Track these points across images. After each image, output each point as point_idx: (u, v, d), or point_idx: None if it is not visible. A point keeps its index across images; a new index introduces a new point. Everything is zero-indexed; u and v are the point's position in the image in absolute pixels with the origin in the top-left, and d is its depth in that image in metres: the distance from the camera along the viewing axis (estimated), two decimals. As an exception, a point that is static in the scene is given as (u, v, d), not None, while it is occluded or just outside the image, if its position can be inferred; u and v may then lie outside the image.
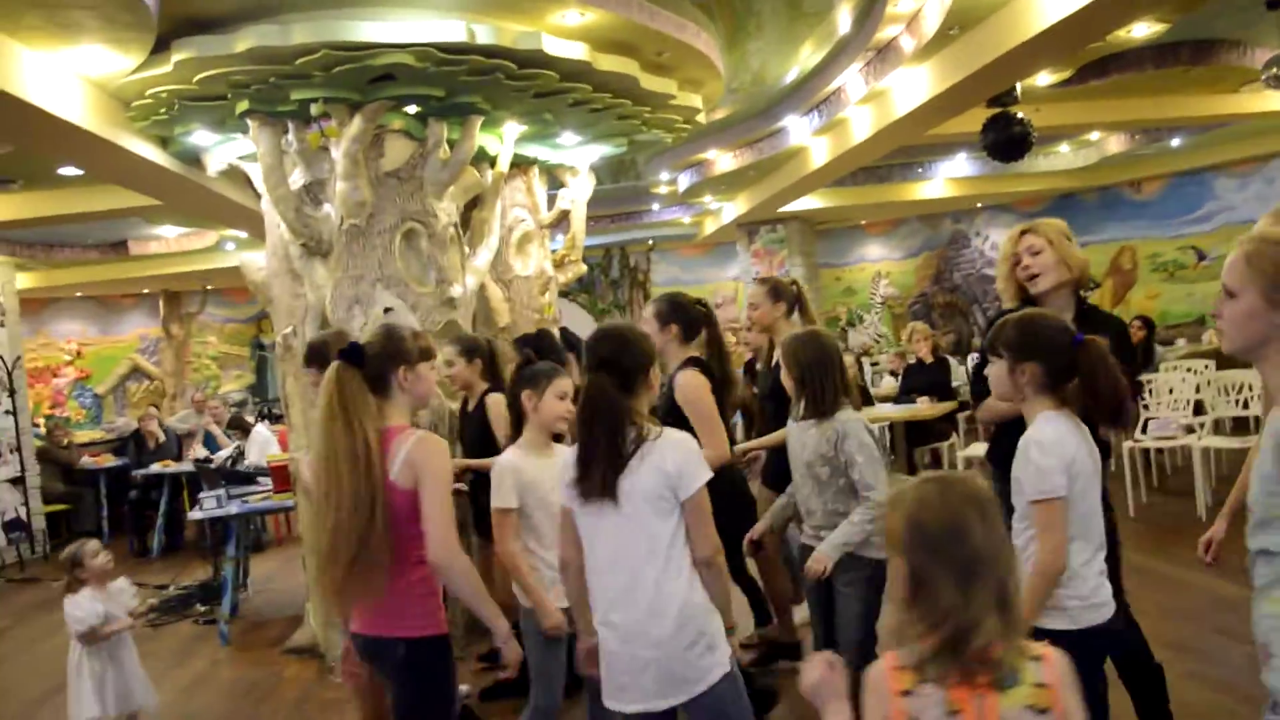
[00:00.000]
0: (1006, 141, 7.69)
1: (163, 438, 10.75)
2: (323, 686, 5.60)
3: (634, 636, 2.65)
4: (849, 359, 10.25)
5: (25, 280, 12.30)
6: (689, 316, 4.56)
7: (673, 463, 2.66)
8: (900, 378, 9.51)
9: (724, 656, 2.69)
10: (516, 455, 3.57)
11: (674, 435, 2.74)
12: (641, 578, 2.65)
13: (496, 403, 4.82)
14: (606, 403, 2.70)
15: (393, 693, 3.01)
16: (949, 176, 13.16)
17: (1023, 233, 3.61)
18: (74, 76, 5.24)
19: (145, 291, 15.55)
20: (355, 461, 2.77)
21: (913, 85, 7.45)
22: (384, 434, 2.87)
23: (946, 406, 8.48)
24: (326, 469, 2.80)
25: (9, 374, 10.64)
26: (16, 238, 10.67)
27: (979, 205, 15.45)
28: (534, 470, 3.52)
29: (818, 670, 1.89)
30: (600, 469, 2.66)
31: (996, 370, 2.77)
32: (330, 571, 2.80)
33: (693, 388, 4.25)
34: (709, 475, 2.71)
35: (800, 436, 3.71)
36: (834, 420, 3.60)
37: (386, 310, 5.56)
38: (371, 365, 2.93)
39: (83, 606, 4.33)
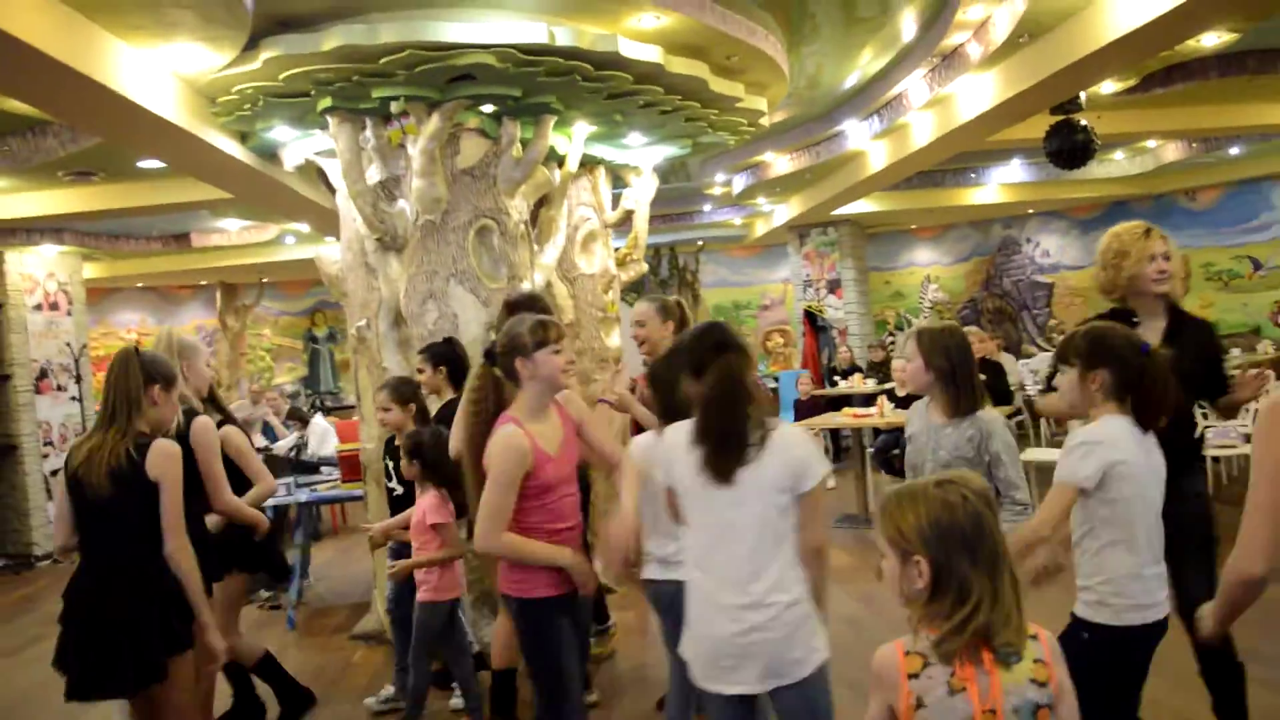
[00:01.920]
0: (1070, 149, 7.69)
1: (223, 427, 10.93)
2: (390, 672, 5.72)
3: (743, 620, 2.69)
4: (898, 362, 10.31)
5: (90, 270, 12.57)
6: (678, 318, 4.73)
7: (799, 455, 2.73)
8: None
9: (824, 644, 2.76)
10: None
11: (793, 428, 2.85)
12: (756, 563, 2.70)
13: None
14: (741, 385, 2.76)
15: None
16: (1002, 182, 13.14)
17: (1147, 232, 3.67)
18: (167, 73, 5.39)
19: (203, 283, 15.82)
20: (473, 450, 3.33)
21: (977, 92, 7.49)
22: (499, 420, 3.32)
23: (1003, 410, 8.47)
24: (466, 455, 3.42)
25: (75, 361, 10.90)
26: (85, 229, 10.91)
27: (1030, 211, 15.41)
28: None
29: None
30: (731, 452, 2.71)
31: (1068, 379, 2.88)
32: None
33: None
34: (829, 469, 2.82)
35: (934, 435, 3.57)
36: (975, 419, 3.49)
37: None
38: (501, 359, 3.34)
39: None
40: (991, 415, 3.52)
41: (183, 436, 3.78)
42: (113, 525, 3.37)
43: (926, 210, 14.14)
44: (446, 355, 5.27)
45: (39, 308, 10.96)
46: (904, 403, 9.12)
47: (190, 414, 4.02)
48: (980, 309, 16.20)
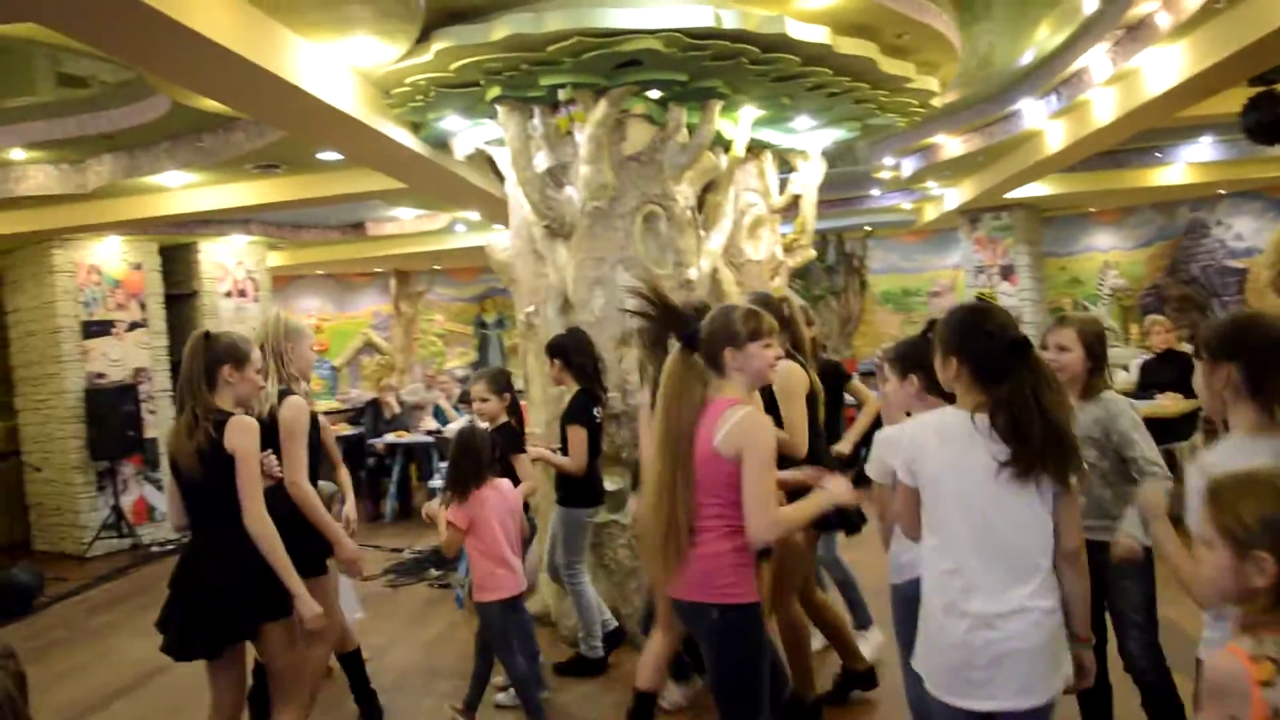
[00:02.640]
0: (1271, 123, 7.18)
1: (398, 409, 11.33)
2: (555, 652, 5.80)
3: (1000, 628, 2.50)
4: (1049, 354, 9.86)
5: (275, 258, 13.19)
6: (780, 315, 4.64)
7: None
8: (1139, 373, 9.06)
9: (1068, 667, 2.60)
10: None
11: None
12: (1020, 568, 2.52)
13: None
14: (1050, 377, 2.56)
15: (707, 657, 3.25)
16: (1191, 161, 12.40)
17: None
18: (344, 67, 5.57)
19: (378, 270, 16.39)
20: (680, 439, 3.09)
21: (1166, 65, 7.07)
22: (710, 406, 3.12)
23: (1191, 404, 8.03)
24: (663, 445, 3.14)
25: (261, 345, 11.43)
26: (270, 219, 11.45)
27: (1221, 192, 14.51)
28: None
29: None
30: (1040, 447, 2.48)
31: (1196, 375, 2.59)
32: (672, 540, 3.08)
33: (795, 378, 4.32)
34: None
35: None
36: (1101, 400, 3.51)
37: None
38: (705, 346, 3.20)
39: None
40: (1115, 395, 3.53)
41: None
42: (204, 500, 3.59)
43: (1107, 192, 13.47)
44: (561, 346, 5.34)
45: (229, 294, 11.57)
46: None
47: (285, 393, 4.19)
48: (1163, 296, 15.38)
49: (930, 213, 14.53)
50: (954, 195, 13.23)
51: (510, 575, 4.62)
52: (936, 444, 2.59)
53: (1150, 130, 9.80)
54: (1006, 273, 14.20)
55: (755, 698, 3.15)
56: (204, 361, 3.59)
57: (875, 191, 13.50)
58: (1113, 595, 3.61)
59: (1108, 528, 3.50)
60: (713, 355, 3.19)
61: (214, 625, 3.54)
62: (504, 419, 5.24)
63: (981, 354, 2.56)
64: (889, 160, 11.26)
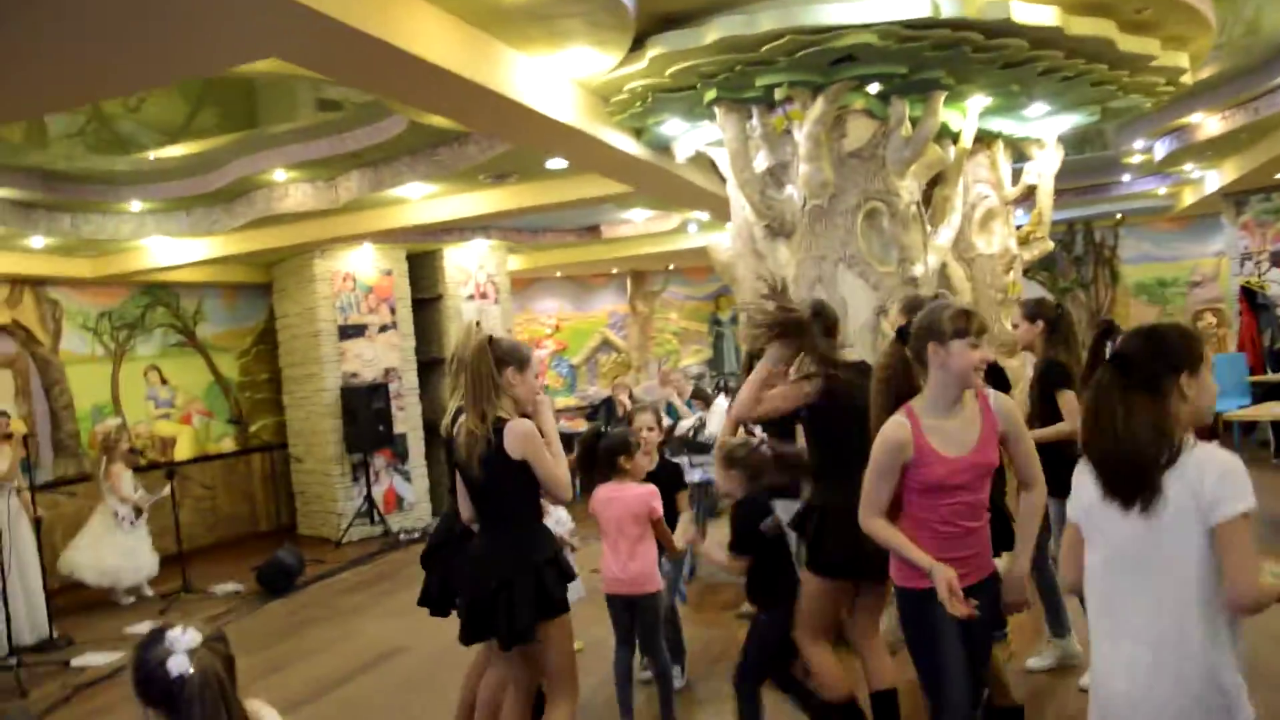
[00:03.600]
0: None
1: (630, 406, 11.52)
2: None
3: (1153, 678, 2.32)
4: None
5: (515, 262, 13.70)
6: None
7: (1210, 481, 2.27)
8: None
9: None
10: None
11: (1214, 451, 2.34)
12: (1164, 614, 2.32)
13: None
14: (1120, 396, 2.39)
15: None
16: None
17: None
18: (563, 78, 5.71)
19: (614, 271, 16.74)
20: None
21: None
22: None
23: None
24: None
25: (501, 345, 11.91)
26: (509, 225, 11.91)
27: None
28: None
29: None
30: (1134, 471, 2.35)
31: None
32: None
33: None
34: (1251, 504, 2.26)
35: None
36: None
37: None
38: (913, 341, 3.24)
39: None
40: None
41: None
42: (489, 502, 3.77)
43: (1398, 167, 12.19)
44: (1040, 312, 5.14)
45: (471, 297, 12.10)
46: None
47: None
48: None
49: (1189, 197, 13.54)
50: (1215, 177, 12.28)
51: (608, 571, 4.74)
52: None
53: None
54: (1277, 259, 13.07)
55: (936, 678, 3.25)
56: (490, 364, 3.74)
57: (1126, 177, 12.70)
58: None
59: None
60: (918, 350, 3.21)
61: (500, 623, 3.71)
62: None
63: None
64: (1140, 143, 10.57)
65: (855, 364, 4.19)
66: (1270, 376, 11.31)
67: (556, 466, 3.73)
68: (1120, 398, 2.36)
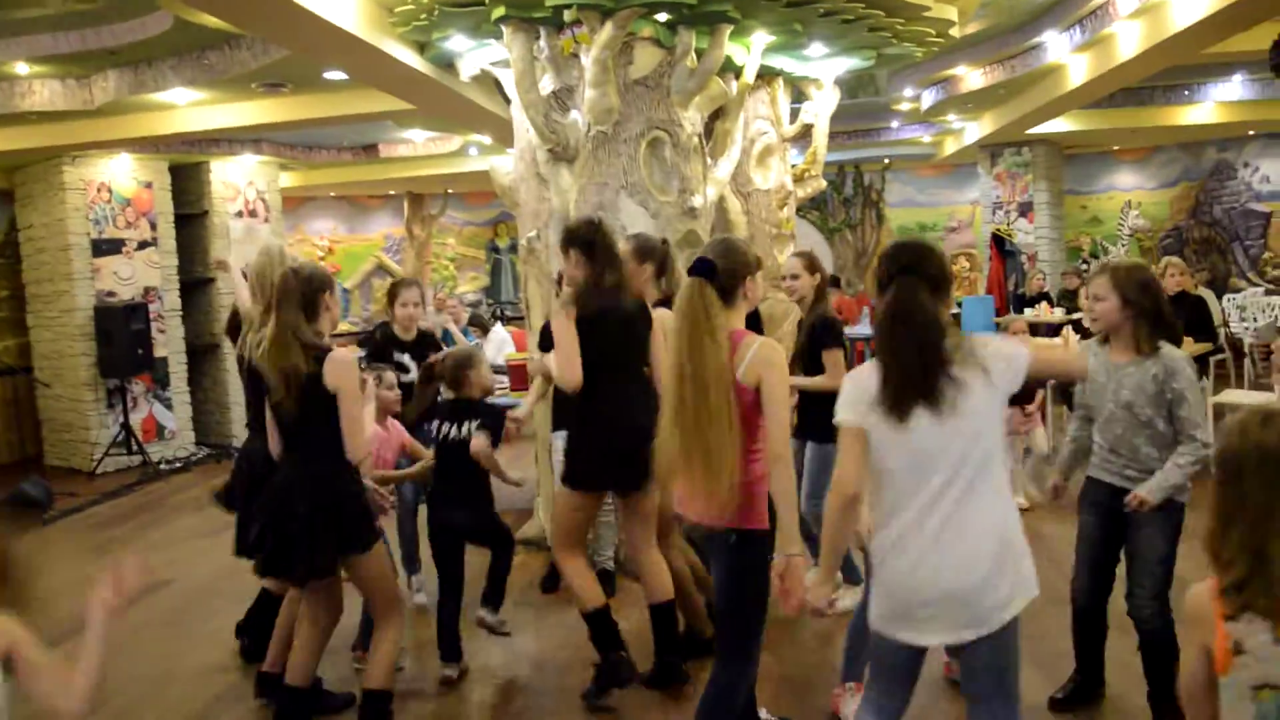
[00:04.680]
0: (1299, 61, 7.00)
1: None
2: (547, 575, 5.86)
3: (943, 563, 2.56)
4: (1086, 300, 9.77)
5: (287, 179, 13.11)
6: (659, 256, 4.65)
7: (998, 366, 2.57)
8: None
9: (1027, 589, 2.62)
10: None
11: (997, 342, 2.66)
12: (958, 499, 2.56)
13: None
14: (920, 310, 2.58)
15: (716, 578, 3.29)
16: (1220, 100, 12.13)
17: None
18: (347, -18, 5.47)
19: (391, 193, 16.31)
20: (717, 367, 2.99)
21: (1193, -3, 6.88)
22: (731, 336, 3.08)
23: (1203, 347, 7.95)
24: (680, 374, 3.04)
25: (272, 267, 11.42)
26: (281, 139, 11.36)
27: (1251, 133, 14.23)
28: None
29: None
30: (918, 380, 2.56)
31: None
32: (687, 465, 3.04)
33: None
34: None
35: (1114, 375, 3.59)
36: (1159, 356, 3.50)
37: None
38: (725, 278, 3.12)
39: None
40: (1176, 353, 3.49)
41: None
42: (298, 433, 3.69)
43: (1131, 130, 13.24)
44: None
45: (239, 214, 11.51)
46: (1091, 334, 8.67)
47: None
48: (1185, 238, 15.17)
49: (950, 146, 14.32)
50: (974, 129, 13.04)
51: None
52: None
53: (1177, 67, 9.60)
54: (1025, 210, 14.04)
55: (755, 620, 3.22)
56: (304, 287, 3.63)
57: (895, 123, 13.30)
58: (1134, 539, 3.63)
59: (1142, 480, 3.53)
60: (731, 287, 3.15)
61: (301, 559, 3.63)
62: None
63: None
64: (909, 91, 11.07)
65: (604, 289, 4.19)
66: (1013, 318, 12.16)
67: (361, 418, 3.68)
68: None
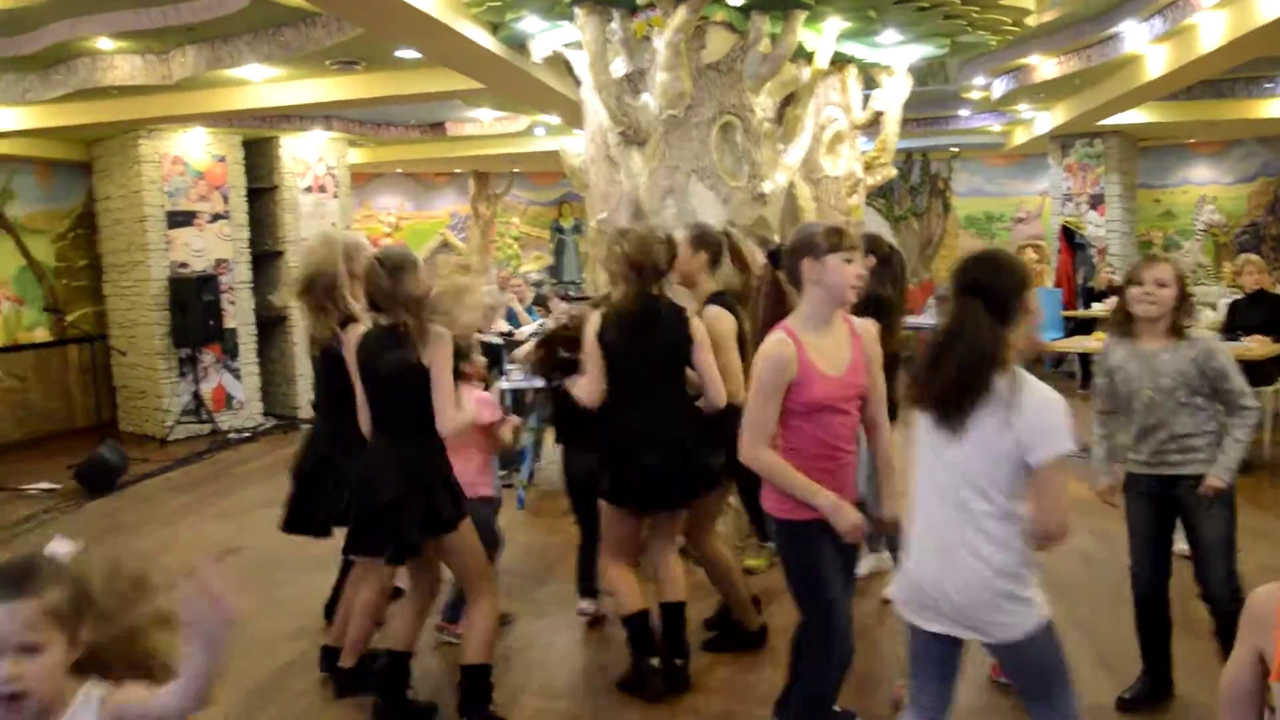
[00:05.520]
0: (1387, 55, 6.80)
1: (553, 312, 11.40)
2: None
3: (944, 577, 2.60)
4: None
5: (355, 156, 13.27)
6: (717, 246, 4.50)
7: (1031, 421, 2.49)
8: (1226, 313, 8.77)
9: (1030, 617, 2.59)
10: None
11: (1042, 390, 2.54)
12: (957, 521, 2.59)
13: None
14: (971, 334, 2.53)
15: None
16: (1302, 93, 11.81)
17: None
18: (424, -38, 5.52)
19: (457, 171, 16.41)
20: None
21: (1281, -13, 6.71)
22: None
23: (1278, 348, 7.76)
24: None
25: (340, 242, 11.57)
26: (351, 116, 11.49)
27: (1333, 127, 13.87)
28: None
29: None
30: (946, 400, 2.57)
31: None
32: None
33: (724, 323, 4.23)
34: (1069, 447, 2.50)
35: (1148, 362, 3.62)
36: (1193, 340, 3.58)
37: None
38: (786, 258, 3.14)
39: None
40: (1206, 333, 3.66)
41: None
42: (390, 411, 3.75)
43: (1209, 123, 12.92)
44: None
45: (309, 190, 11.68)
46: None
47: (348, 320, 4.12)
48: (1262, 235, 14.82)
49: (1020, 136, 14.11)
50: (1046, 119, 12.83)
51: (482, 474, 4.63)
52: None
53: (1262, 59, 9.35)
54: (1095, 202, 13.78)
55: (820, 597, 3.18)
56: (389, 281, 3.64)
57: (964, 112, 13.14)
58: (1198, 524, 3.65)
59: (1189, 461, 3.60)
60: (793, 267, 3.11)
61: (390, 539, 3.70)
62: None
63: None
64: (980, 80, 10.92)
65: (649, 296, 4.03)
66: (1082, 312, 11.99)
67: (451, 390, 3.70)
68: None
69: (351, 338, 3.96)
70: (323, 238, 4.40)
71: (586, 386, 4.06)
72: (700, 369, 4.03)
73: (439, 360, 3.60)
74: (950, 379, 2.53)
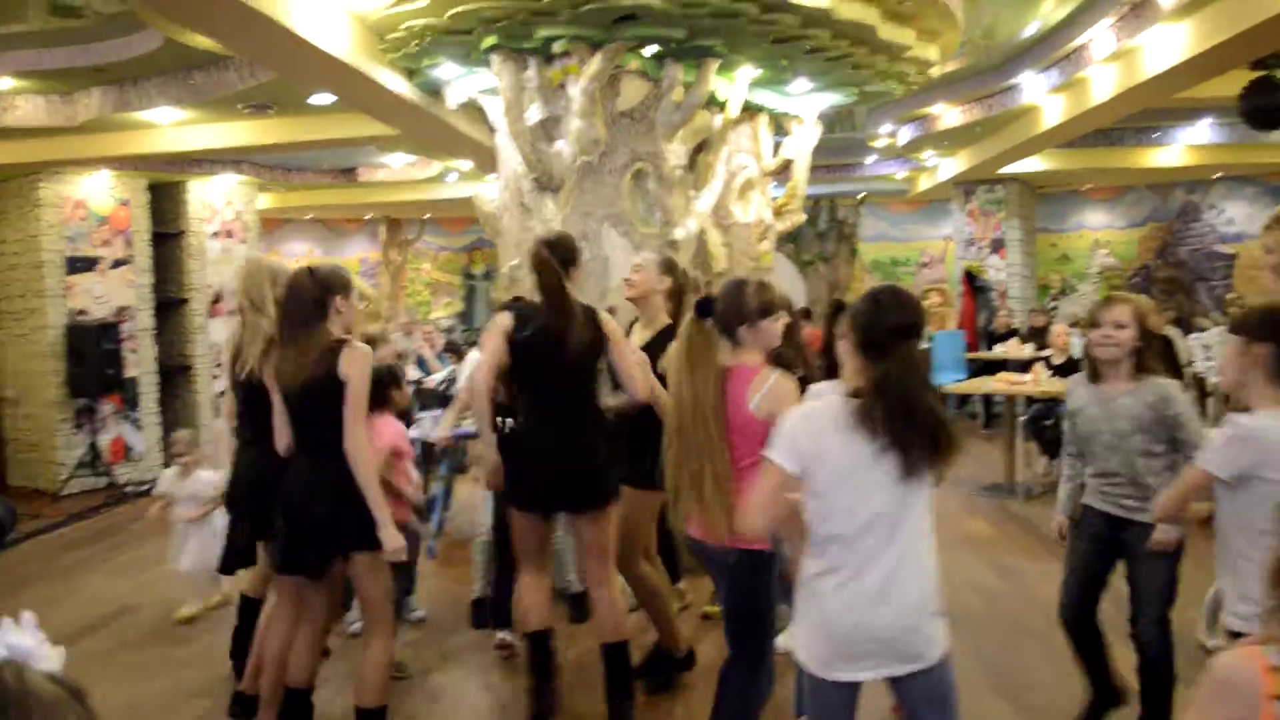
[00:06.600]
0: (1268, 108, 7.15)
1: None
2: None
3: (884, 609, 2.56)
4: (1059, 328, 9.90)
5: (265, 201, 13.08)
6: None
7: None
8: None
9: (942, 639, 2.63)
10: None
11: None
12: (916, 551, 2.57)
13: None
14: (926, 383, 2.56)
15: (722, 595, 3.47)
16: (1189, 143, 12.35)
17: None
18: (340, 9, 5.49)
19: (368, 217, 16.30)
20: (704, 404, 3.15)
21: (1168, 44, 7.02)
22: (735, 371, 3.23)
23: (1172, 385, 8.04)
24: (689, 407, 3.19)
25: (247, 288, 11.37)
26: (261, 160, 11.35)
27: (1217, 176, 14.52)
28: None
29: None
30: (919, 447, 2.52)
31: (1229, 350, 2.72)
32: (694, 490, 3.16)
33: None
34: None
35: (1107, 406, 3.61)
36: (1153, 384, 3.54)
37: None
38: (720, 319, 3.26)
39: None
40: (1166, 380, 3.56)
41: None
42: (314, 428, 3.65)
43: (1102, 171, 13.46)
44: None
45: (216, 235, 11.46)
46: (1061, 370, 8.77)
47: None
48: (1151, 278, 15.41)
49: (924, 183, 14.50)
50: (949, 166, 13.21)
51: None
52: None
53: (1149, 110, 9.78)
54: (997, 246, 14.19)
55: (765, 629, 3.33)
56: (315, 293, 3.61)
57: (870, 159, 13.46)
58: (1140, 569, 3.64)
59: (1143, 509, 3.54)
60: (727, 327, 3.26)
61: (311, 551, 3.65)
62: None
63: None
64: (887, 127, 11.21)
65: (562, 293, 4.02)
66: (984, 354, 12.28)
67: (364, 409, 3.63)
68: None
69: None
70: (251, 259, 4.36)
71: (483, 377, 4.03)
72: (617, 365, 4.10)
73: (355, 375, 3.54)
74: (925, 431, 2.54)
